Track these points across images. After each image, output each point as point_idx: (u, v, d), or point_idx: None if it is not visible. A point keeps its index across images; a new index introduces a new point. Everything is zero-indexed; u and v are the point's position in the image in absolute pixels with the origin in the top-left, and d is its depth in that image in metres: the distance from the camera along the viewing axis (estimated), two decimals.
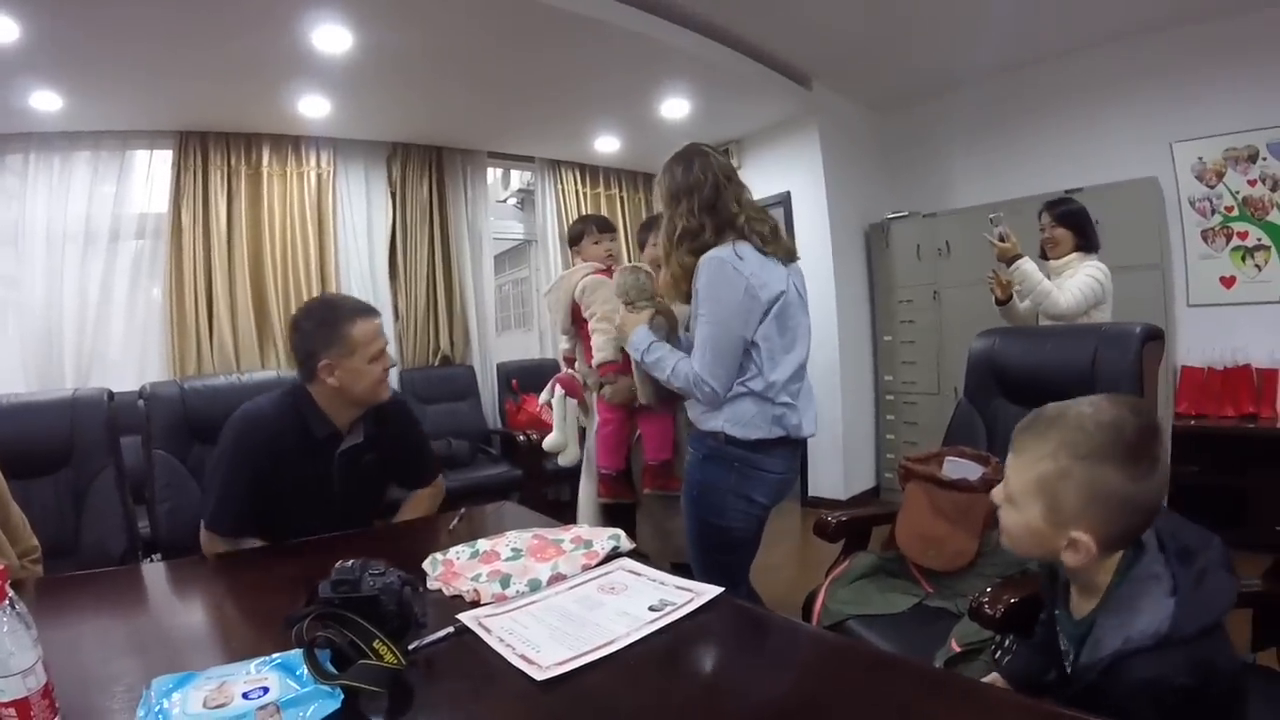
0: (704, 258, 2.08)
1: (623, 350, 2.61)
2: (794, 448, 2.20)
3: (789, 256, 2.22)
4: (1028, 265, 3.30)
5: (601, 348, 2.76)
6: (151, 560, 2.36)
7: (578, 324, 2.91)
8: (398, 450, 2.26)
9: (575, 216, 6.22)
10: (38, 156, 4.46)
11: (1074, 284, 3.20)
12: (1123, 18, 4.48)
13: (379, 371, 2.04)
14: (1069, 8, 4.34)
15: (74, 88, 4.03)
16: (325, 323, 2.01)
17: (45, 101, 4.08)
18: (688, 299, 2.19)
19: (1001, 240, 3.39)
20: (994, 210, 3.87)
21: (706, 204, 2.12)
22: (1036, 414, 1.20)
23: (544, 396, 3.12)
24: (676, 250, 2.15)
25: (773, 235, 2.18)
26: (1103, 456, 1.08)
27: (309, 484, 2.04)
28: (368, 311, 2.07)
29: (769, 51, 4.91)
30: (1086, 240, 3.41)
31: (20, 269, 4.42)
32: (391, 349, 2.64)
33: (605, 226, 3.00)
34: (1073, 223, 3.42)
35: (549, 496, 5.03)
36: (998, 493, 1.23)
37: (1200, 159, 4.53)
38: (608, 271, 2.86)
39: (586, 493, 3.01)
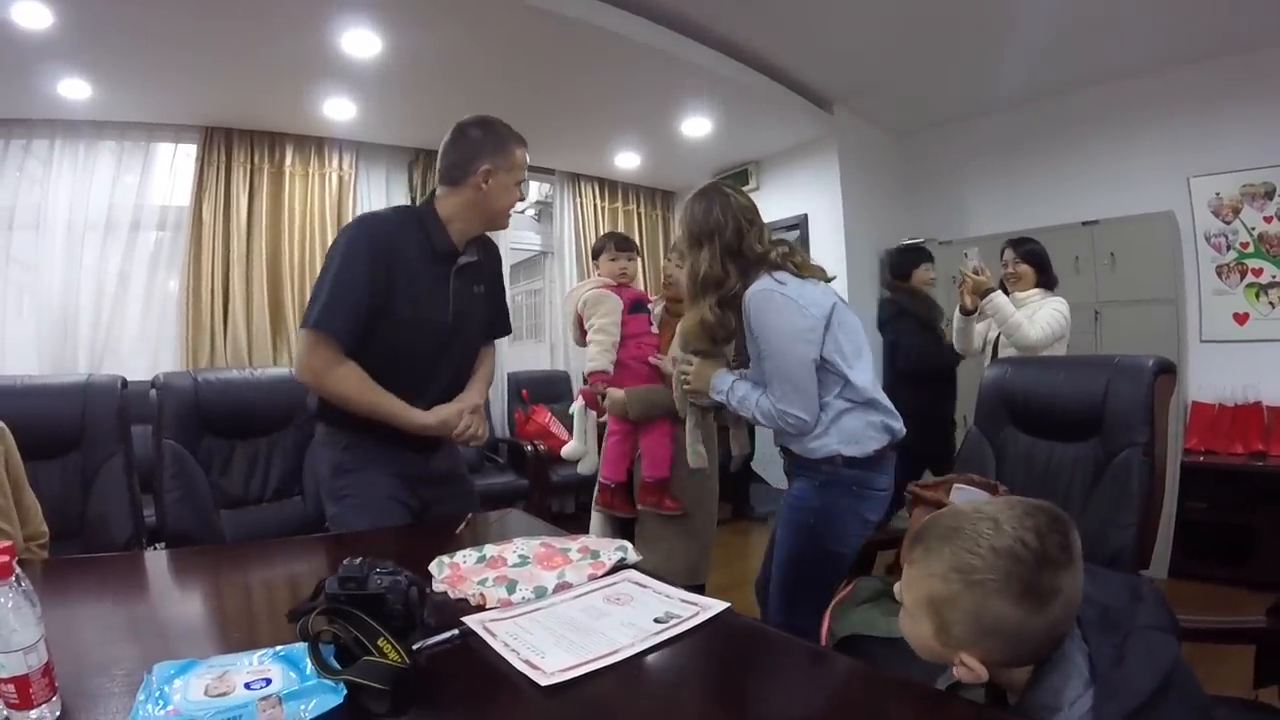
0: (747, 295, 2.05)
1: (614, 363, 2.77)
2: (893, 458, 2.15)
3: (824, 277, 2.19)
4: (1000, 298, 3.46)
5: (594, 357, 2.79)
6: (155, 549, 2.36)
7: (584, 335, 2.92)
8: (495, 287, 2.35)
9: (593, 230, 6.29)
10: (63, 144, 4.51)
11: (1042, 318, 3.39)
12: (1142, 52, 4.50)
13: (516, 196, 2.15)
14: (1091, 40, 4.35)
15: (103, 77, 4.08)
16: (495, 135, 2.09)
17: (74, 89, 4.12)
18: (717, 345, 2.21)
19: (976, 274, 3.54)
20: (1006, 237, 3.90)
21: (729, 249, 2.10)
22: (933, 521, 1.11)
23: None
24: (703, 297, 2.14)
25: (804, 262, 2.15)
26: (995, 589, 0.99)
27: (424, 300, 2.05)
28: (525, 144, 2.15)
29: (791, 73, 4.95)
30: (1046, 277, 3.65)
31: (40, 254, 4.47)
32: None
33: (624, 245, 3.01)
34: (1035, 260, 3.65)
35: (554, 508, 5.03)
36: (897, 590, 1.15)
37: (1217, 194, 4.53)
38: (617, 288, 2.89)
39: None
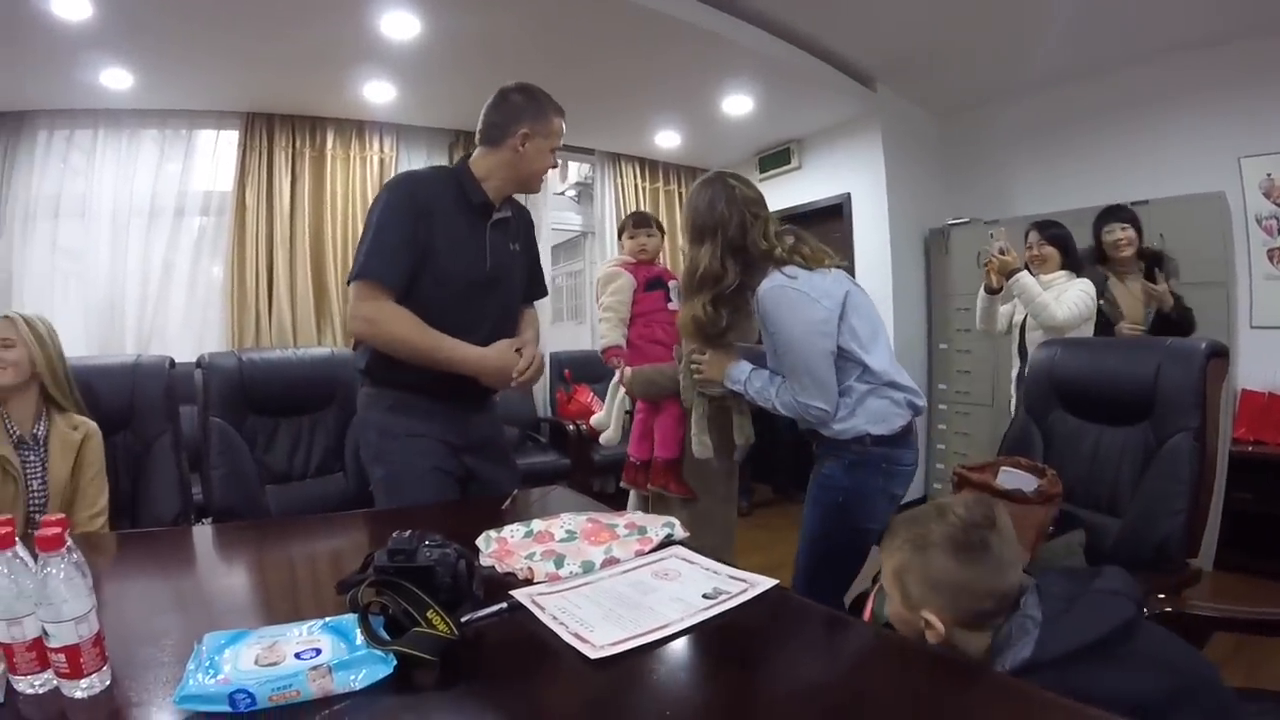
0: (760, 293, 2.04)
1: (626, 338, 2.82)
2: (918, 433, 2.17)
3: (834, 263, 2.15)
4: (1026, 278, 3.43)
5: (604, 334, 2.87)
6: (202, 524, 2.39)
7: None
8: (530, 247, 2.39)
9: (633, 210, 6.23)
10: (106, 133, 4.58)
11: (1069, 298, 3.36)
12: (1192, 29, 4.34)
13: (551, 162, 2.20)
14: (1137, 17, 4.22)
15: (144, 66, 4.12)
16: (536, 101, 2.15)
17: (116, 79, 4.17)
18: (709, 342, 2.21)
19: (1002, 254, 3.51)
20: (1051, 217, 3.82)
21: (732, 245, 2.08)
22: (902, 516, 1.38)
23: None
24: (698, 294, 2.13)
25: (813, 252, 2.12)
26: (937, 549, 1.26)
27: (463, 249, 2.10)
28: (563, 114, 2.21)
29: (834, 51, 4.86)
30: (1072, 260, 3.62)
31: (86, 242, 4.54)
32: None
33: (641, 221, 3.03)
34: (1060, 243, 3.62)
35: (595, 488, 5.04)
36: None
37: (1269, 175, 4.35)
38: (635, 265, 2.92)
39: None
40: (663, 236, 3.11)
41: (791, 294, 1.99)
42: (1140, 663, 1.10)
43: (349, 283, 2.04)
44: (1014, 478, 2.10)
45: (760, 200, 2.15)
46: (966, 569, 1.23)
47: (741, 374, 2.20)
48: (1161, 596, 1.66)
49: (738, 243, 2.07)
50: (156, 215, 4.72)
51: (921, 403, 2.10)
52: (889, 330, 5.12)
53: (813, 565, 2.15)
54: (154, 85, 4.33)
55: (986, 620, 1.23)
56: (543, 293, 2.49)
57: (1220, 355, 2.07)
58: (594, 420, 3.07)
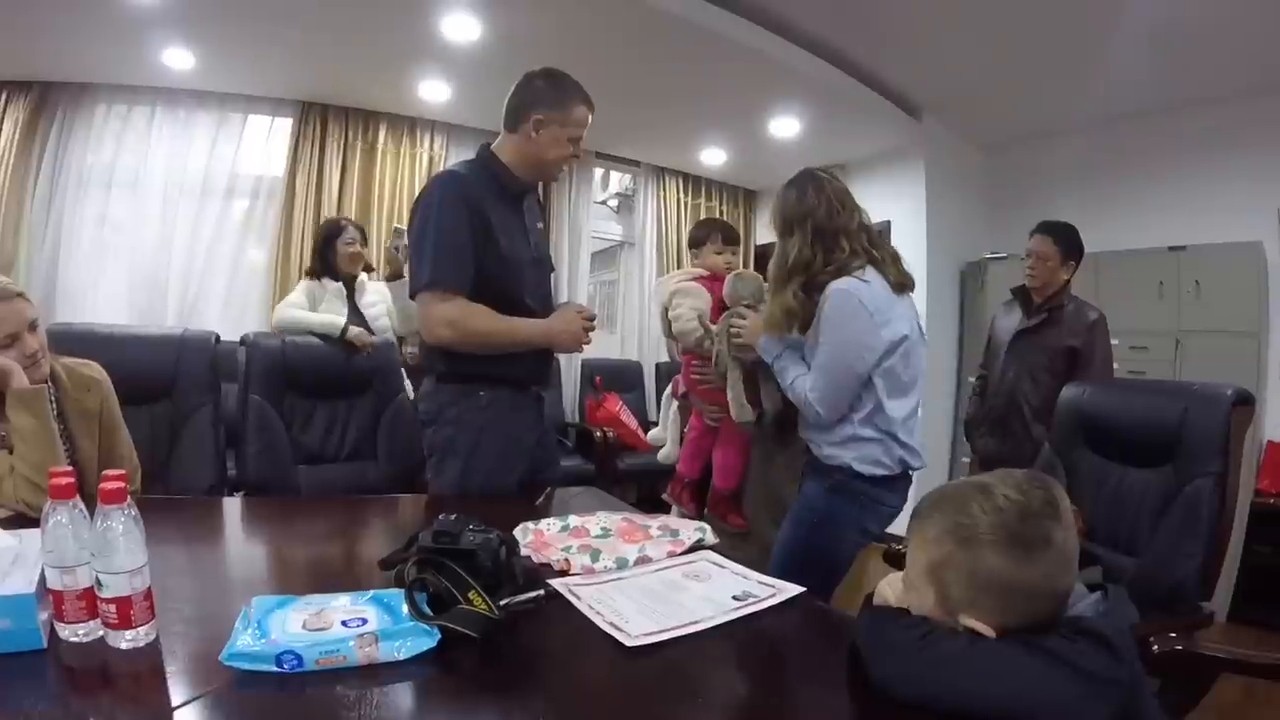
0: (832, 287, 2.01)
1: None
2: (909, 482, 2.18)
3: (908, 285, 2.15)
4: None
5: (690, 346, 2.61)
6: (236, 496, 2.42)
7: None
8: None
9: (675, 224, 6.27)
10: (163, 111, 4.67)
11: None
12: (1237, 77, 4.33)
13: (568, 152, 2.14)
14: (1184, 63, 4.20)
15: (207, 48, 4.20)
16: (558, 87, 2.10)
17: (177, 59, 4.25)
18: (796, 331, 2.16)
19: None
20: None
21: (820, 231, 2.06)
22: (927, 496, 1.13)
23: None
24: (789, 282, 2.09)
25: (893, 261, 2.12)
26: (986, 542, 1.01)
27: (514, 234, 2.11)
28: (590, 101, 2.15)
29: (882, 79, 4.87)
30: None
31: (135, 215, 4.63)
32: None
33: (731, 238, 2.83)
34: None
35: (618, 496, 5.02)
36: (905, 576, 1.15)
37: None
38: (712, 280, 2.69)
39: None
40: None
41: (856, 305, 1.98)
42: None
43: (415, 293, 2.03)
44: None
45: (848, 193, 2.14)
46: (1024, 568, 1.00)
47: (774, 348, 2.20)
48: (1173, 635, 1.65)
49: (825, 227, 2.06)
50: (207, 195, 4.79)
51: (917, 465, 2.12)
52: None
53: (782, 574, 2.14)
54: (214, 68, 4.41)
55: (1039, 627, 1.02)
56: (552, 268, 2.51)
57: (1246, 403, 2.05)
58: (651, 436, 2.99)
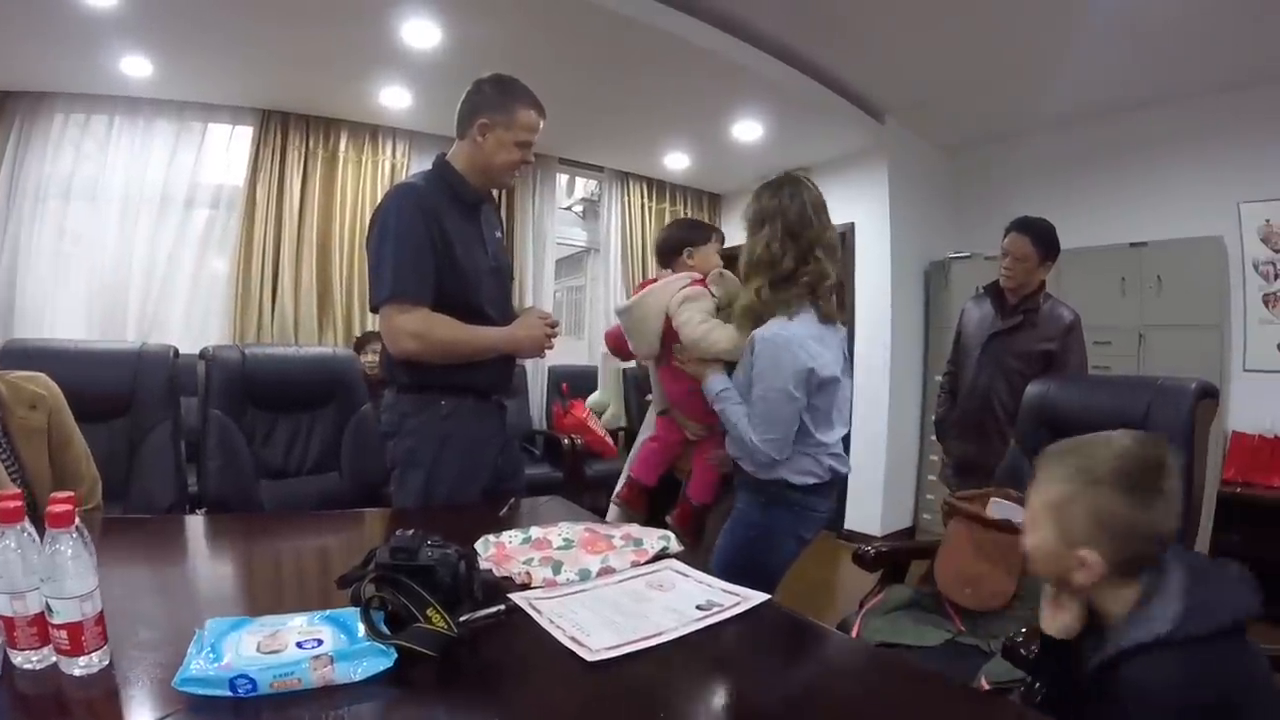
0: (758, 335, 2.05)
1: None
2: (837, 488, 2.24)
3: (834, 318, 2.17)
4: None
5: (719, 339, 2.31)
6: (197, 514, 2.39)
7: (666, 344, 2.55)
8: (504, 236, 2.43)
9: (639, 230, 6.27)
10: (122, 120, 4.60)
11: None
12: (1196, 76, 4.43)
13: (516, 157, 2.14)
14: (1144, 61, 4.29)
15: (165, 56, 4.14)
16: (504, 92, 2.11)
17: (136, 67, 4.19)
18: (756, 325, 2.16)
19: None
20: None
21: (790, 230, 2.08)
22: (1052, 444, 1.31)
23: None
24: (753, 278, 2.13)
25: (830, 295, 2.15)
26: (1109, 484, 1.18)
27: (471, 244, 2.12)
28: (539, 105, 2.15)
29: (845, 82, 4.91)
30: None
31: (94, 226, 4.55)
32: None
33: (720, 236, 2.70)
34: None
35: (587, 502, 5.01)
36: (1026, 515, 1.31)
37: (1267, 221, 4.43)
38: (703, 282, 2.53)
39: None
40: None
41: (785, 352, 2.01)
42: (1255, 650, 1.13)
43: (377, 307, 2.04)
44: (1004, 508, 2.14)
45: (824, 203, 2.15)
46: (1139, 511, 1.17)
47: (716, 386, 2.20)
48: None
49: (795, 229, 2.08)
50: (166, 205, 4.72)
51: (844, 469, 2.18)
52: (885, 363, 5.17)
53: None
54: (173, 76, 4.36)
55: (1142, 567, 1.19)
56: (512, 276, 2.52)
57: (1210, 396, 2.11)
58: (591, 401, 2.86)
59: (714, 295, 2.42)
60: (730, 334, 2.27)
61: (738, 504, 2.22)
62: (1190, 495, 1.99)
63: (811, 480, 2.10)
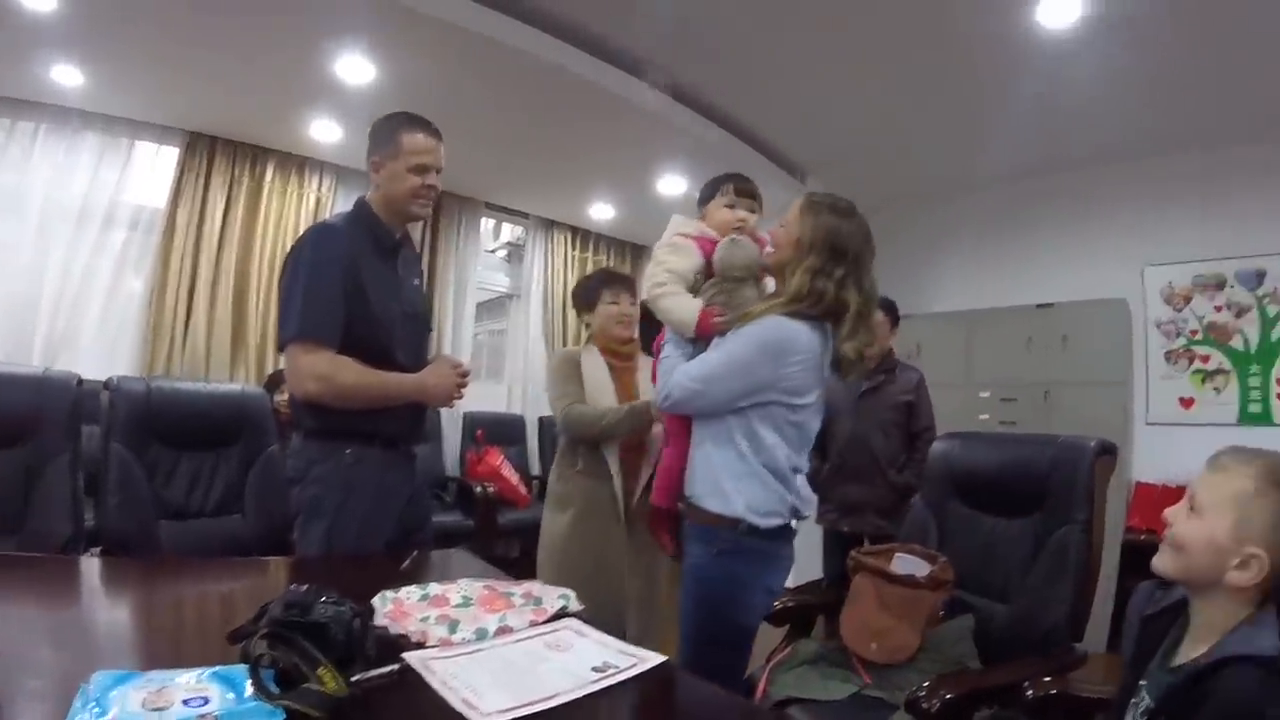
0: (770, 317, 1.90)
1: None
2: (795, 530, 2.08)
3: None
4: None
5: (676, 307, 2.12)
6: (92, 554, 2.32)
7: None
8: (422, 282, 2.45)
9: (562, 277, 6.34)
10: (48, 130, 4.51)
11: None
12: (1106, 143, 4.73)
13: (416, 184, 2.12)
14: (1057, 129, 4.57)
15: (97, 68, 4.10)
16: (387, 124, 2.14)
17: (66, 76, 4.14)
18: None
19: None
20: (967, 314, 4.11)
21: (859, 283, 1.96)
22: (1228, 448, 1.31)
23: None
24: (789, 304, 1.93)
25: (857, 356, 1.95)
26: None
27: (386, 289, 2.12)
28: (427, 127, 2.15)
29: (768, 141, 5.11)
30: None
31: (7, 237, 4.41)
32: None
33: (747, 189, 2.41)
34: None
35: (498, 551, 4.98)
36: (1178, 508, 1.33)
37: (1170, 283, 4.77)
38: (711, 245, 2.22)
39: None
40: None
41: (779, 338, 1.88)
42: None
43: (283, 346, 2.03)
44: (908, 563, 2.18)
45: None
46: None
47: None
48: (1048, 679, 1.77)
49: (862, 283, 1.96)
50: (85, 221, 4.62)
51: (806, 511, 2.05)
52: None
53: (697, 662, 1.90)
54: (103, 88, 4.31)
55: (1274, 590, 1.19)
56: (430, 327, 2.54)
57: (1109, 453, 2.22)
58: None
59: (714, 260, 2.17)
60: (685, 311, 2.07)
61: (690, 556, 2.04)
62: (1091, 549, 2.10)
63: (776, 522, 1.95)
